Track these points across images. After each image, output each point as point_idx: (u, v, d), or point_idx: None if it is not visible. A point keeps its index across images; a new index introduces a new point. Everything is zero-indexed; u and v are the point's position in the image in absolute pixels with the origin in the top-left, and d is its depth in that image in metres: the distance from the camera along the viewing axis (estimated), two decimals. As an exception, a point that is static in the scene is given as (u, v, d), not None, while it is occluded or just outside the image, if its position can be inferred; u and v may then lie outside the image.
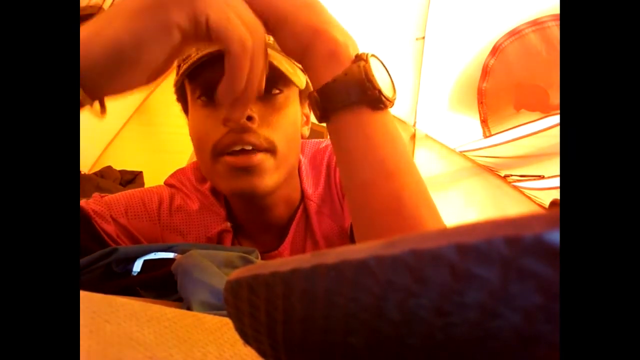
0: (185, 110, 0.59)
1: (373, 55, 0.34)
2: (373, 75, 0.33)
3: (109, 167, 2.26)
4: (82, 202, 0.57)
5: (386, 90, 0.34)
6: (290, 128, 0.54)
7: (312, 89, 0.37)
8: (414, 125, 2.41)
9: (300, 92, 0.57)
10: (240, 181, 0.50)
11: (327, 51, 0.34)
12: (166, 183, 0.65)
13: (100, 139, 2.43)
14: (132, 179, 2.26)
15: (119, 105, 2.34)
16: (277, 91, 0.53)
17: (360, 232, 0.36)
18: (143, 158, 2.32)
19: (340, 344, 0.14)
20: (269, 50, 0.49)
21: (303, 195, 0.61)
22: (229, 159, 0.50)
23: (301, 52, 0.35)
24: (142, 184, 2.26)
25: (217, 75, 0.48)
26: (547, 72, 1.96)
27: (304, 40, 0.34)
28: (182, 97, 0.58)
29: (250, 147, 0.50)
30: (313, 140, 0.67)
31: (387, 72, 0.35)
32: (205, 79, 0.52)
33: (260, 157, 0.50)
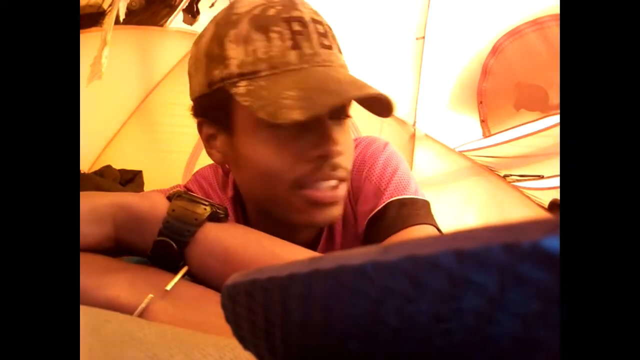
0: (224, 126, 0.48)
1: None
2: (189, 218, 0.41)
3: (109, 167, 2.25)
4: None
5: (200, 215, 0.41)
6: (352, 147, 0.51)
7: None
8: (414, 125, 2.41)
9: None
10: (320, 214, 0.47)
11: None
12: (187, 188, 0.61)
13: (100, 138, 2.43)
14: (131, 178, 2.26)
15: (119, 105, 2.34)
16: (349, 116, 0.49)
17: None
18: (143, 157, 2.32)
19: (338, 349, 0.14)
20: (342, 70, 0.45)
21: None
22: (311, 193, 0.46)
23: None
24: (142, 183, 2.25)
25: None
26: (547, 72, 1.96)
27: None
28: (213, 111, 0.48)
29: (336, 183, 0.47)
30: None
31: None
32: None
33: (342, 188, 0.48)
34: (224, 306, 0.15)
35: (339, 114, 0.48)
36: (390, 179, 0.55)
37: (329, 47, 0.46)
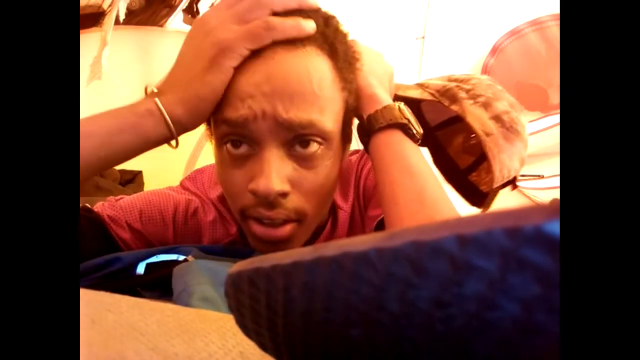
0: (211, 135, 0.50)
1: (405, 104, 0.46)
2: (403, 111, 0.44)
3: (109, 167, 2.25)
4: (98, 205, 0.55)
5: (414, 125, 0.45)
6: (327, 185, 0.45)
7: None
8: (414, 125, 2.41)
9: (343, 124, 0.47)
10: (266, 248, 0.46)
11: (367, 95, 0.47)
12: (183, 186, 0.60)
13: (100, 139, 2.42)
14: (131, 178, 2.25)
15: (119, 105, 2.33)
16: (317, 146, 0.42)
17: (390, 222, 0.42)
18: (143, 157, 2.32)
19: (340, 336, 0.14)
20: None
21: (333, 208, 0.57)
22: (254, 227, 0.44)
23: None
24: (142, 184, 2.25)
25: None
26: (547, 72, 1.96)
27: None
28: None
29: (281, 221, 0.44)
30: None
31: (412, 116, 0.45)
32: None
33: (288, 229, 0.44)
34: (227, 294, 0.15)
35: (293, 141, 0.41)
36: None
37: None
